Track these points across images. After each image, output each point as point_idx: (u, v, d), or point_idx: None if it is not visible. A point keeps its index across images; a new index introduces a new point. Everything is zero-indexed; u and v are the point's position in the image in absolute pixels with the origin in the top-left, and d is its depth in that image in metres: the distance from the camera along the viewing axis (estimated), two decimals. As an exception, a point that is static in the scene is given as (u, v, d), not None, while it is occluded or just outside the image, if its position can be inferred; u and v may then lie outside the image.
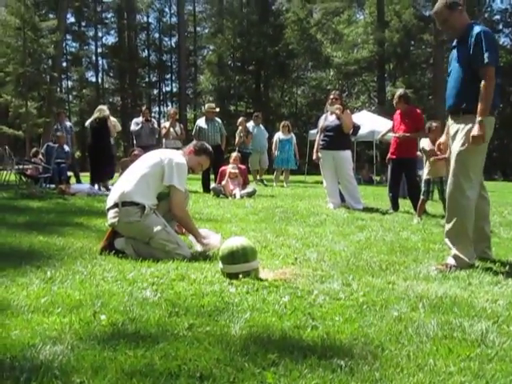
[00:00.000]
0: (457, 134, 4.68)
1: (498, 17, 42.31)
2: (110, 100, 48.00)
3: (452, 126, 4.83)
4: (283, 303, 3.29)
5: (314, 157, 9.67)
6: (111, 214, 4.93)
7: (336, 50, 44.43)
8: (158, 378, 2.19)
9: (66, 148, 14.27)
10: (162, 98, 54.13)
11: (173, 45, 51.42)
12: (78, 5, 44.83)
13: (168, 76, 53.34)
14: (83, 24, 49.98)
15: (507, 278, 4.19)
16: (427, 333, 2.83)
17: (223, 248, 4.13)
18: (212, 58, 46.22)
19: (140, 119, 13.33)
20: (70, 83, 50.50)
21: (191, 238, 5.22)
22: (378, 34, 38.55)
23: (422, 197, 7.91)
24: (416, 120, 8.74)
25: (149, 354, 2.43)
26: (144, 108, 14.25)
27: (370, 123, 19.78)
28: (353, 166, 9.97)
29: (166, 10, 52.56)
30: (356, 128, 9.65)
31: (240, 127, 15.86)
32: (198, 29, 51.98)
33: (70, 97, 50.24)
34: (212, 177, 12.34)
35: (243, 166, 12.07)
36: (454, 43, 4.98)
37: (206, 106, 13.62)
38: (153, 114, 45.81)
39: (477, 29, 4.62)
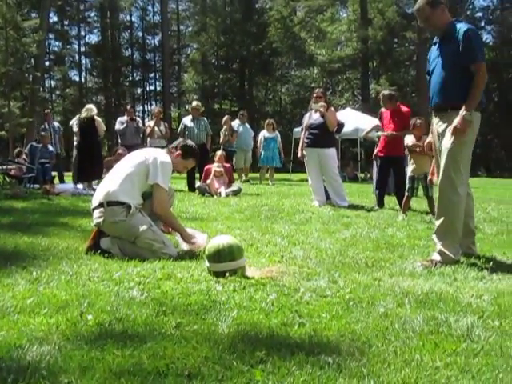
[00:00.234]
0: (445, 131, 4.70)
1: (480, 14, 42.71)
2: (94, 99, 47.58)
3: (438, 123, 4.86)
4: (270, 301, 3.29)
5: (299, 155, 9.70)
6: (96, 213, 4.91)
7: (320, 47, 44.47)
8: (146, 378, 2.19)
9: (50, 148, 14.21)
10: (145, 96, 53.91)
11: (156, 43, 51.17)
12: (60, 4, 44.40)
13: (152, 75, 53.09)
14: (66, 23, 49.53)
15: (492, 274, 4.24)
16: (413, 328, 2.85)
17: (209, 246, 4.13)
18: (196, 57, 46.15)
19: (125, 118, 13.27)
20: (52, 82, 50.11)
21: (178, 237, 5.21)
22: (362, 32, 38.61)
23: (406, 193, 7.98)
24: (404, 119, 8.80)
25: (136, 353, 2.43)
26: (129, 107, 14.19)
27: (354, 121, 19.84)
28: (338, 164, 10.00)
29: (150, 8, 52.35)
30: (340, 126, 9.69)
31: (225, 126, 15.86)
32: (182, 27, 51.86)
33: (53, 96, 49.86)
34: (197, 175, 12.32)
35: (228, 165, 12.07)
36: (435, 40, 5.01)
37: (193, 103, 13.58)
38: (137, 113, 45.61)
39: (464, 27, 4.66)
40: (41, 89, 37.93)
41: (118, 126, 13.19)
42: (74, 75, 51.33)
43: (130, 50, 52.25)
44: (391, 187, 10.17)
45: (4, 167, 12.39)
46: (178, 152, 5.35)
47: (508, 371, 2.35)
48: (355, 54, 41.26)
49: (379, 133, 9.41)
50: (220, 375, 2.23)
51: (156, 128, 13.14)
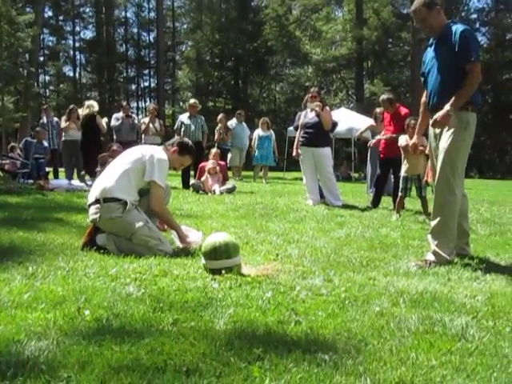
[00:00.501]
0: (443, 132, 4.73)
1: (475, 16, 42.81)
2: (88, 95, 47.43)
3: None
4: (266, 299, 3.31)
5: (294, 153, 9.73)
6: (93, 209, 4.91)
7: (315, 46, 44.53)
8: (144, 373, 2.20)
9: (45, 143, 14.20)
10: (140, 93, 53.81)
11: (151, 40, 51.07)
12: (55, -1, 44.42)
13: (146, 71, 53.01)
14: (61, 18, 49.42)
15: (485, 274, 4.27)
16: (409, 327, 2.88)
17: (206, 244, 4.15)
18: (190, 54, 46.12)
19: (120, 114, 13.23)
20: (47, 78, 50.04)
21: (173, 234, 5.22)
22: (357, 32, 38.63)
23: (400, 193, 8.02)
24: (403, 121, 8.84)
25: (134, 349, 2.44)
26: (125, 103, 14.13)
27: (349, 120, 19.89)
28: (332, 163, 10.04)
29: (145, 4, 52.25)
30: (333, 125, 9.72)
31: (220, 124, 15.88)
32: (177, 24, 51.72)
33: (47, 91, 49.74)
34: (191, 173, 12.33)
35: (223, 163, 12.10)
36: (431, 41, 5.04)
37: (191, 100, 13.57)
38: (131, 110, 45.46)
39: (460, 27, 4.68)
40: (35, 84, 37.82)
41: (113, 123, 13.16)
42: (68, 71, 51.33)
43: (124, 46, 52.12)
44: (390, 188, 10.21)
45: (-2, 162, 12.38)
46: (175, 148, 5.35)
47: (502, 370, 2.37)
48: (350, 53, 41.30)
49: (378, 136, 9.53)
50: (218, 371, 2.24)
51: (151, 125, 13.14)
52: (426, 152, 5.77)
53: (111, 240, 4.85)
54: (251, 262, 4.45)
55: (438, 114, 4.59)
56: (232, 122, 16.52)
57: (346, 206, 9.05)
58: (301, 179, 10.20)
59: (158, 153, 5.12)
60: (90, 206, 4.97)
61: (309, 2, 41.29)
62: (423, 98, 5.15)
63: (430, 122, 4.84)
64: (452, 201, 4.70)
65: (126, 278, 3.72)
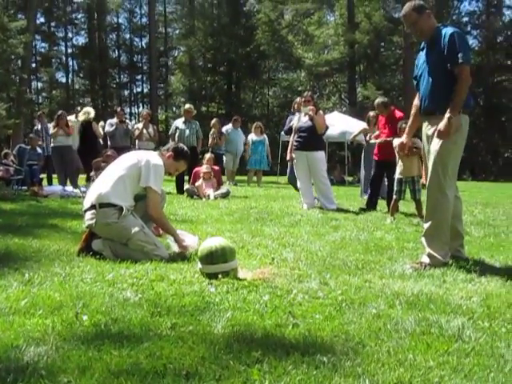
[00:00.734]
0: (434, 135, 4.75)
1: (466, 19, 42.85)
2: (81, 101, 47.41)
3: (428, 126, 4.91)
4: (263, 302, 3.33)
5: (288, 157, 9.76)
6: (88, 215, 4.92)
7: (307, 51, 44.53)
8: (144, 377, 2.21)
9: (39, 150, 14.18)
10: (133, 99, 53.71)
11: (144, 45, 50.96)
12: (47, 5, 44.28)
13: (139, 77, 52.90)
14: (53, 24, 49.20)
15: (480, 276, 4.29)
16: (405, 329, 2.90)
17: (202, 248, 4.16)
18: (183, 59, 46.06)
19: (114, 120, 13.21)
20: (39, 84, 49.81)
21: (169, 239, 5.22)
22: (349, 36, 38.73)
23: (394, 196, 8.04)
24: (396, 124, 8.88)
25: (134, 353, 2.45)
26: (119, 109, 14.12)
27: (342, 124, 19.91)
28: (326, 167, 10.06)
29: (137, 10, 52.10)
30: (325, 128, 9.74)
31: (213, 128, 15.92)
32: (169, 30, 51.67)
33: (40, 98, 49.61)
34: (186, 178, 12.33)
35: (217, 167, 12.10)
36: (422, 45, 5.07)
37: (186, 106, 13.61)
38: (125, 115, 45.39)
39: (449, 30, 4.71)
40: (27, 90, 37.70)
41: (107, 128, 13.13)
42: (60, 77, 51.11)
43: (117, 51, 52.02)
44: (384, 191, 10.24)
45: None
46: (170, 154, 5.36)
47: (499, 371, 2.40)
48: (342, 57, 41.36)
49: (373, 141, 9.56)
50: (218, 375, 2.25)
51: (144, 130, 13.12)
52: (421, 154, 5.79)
53: (107, 245, 4.85)
54: (247, 266, 4.46)
55: (440, 125, 4.60)
56: (227, 128, 16.56)
57: (340, 210, 9.07)
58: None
59: (154, 158, 5.13)
60: (85, 211, 4.98)
61: (301, 6, 41.40)
62: (415, 101, 5.18)
63: (430, 130, 4.85)
64: (444, 202, 4.72)
65: (123, 283, 3.73)
